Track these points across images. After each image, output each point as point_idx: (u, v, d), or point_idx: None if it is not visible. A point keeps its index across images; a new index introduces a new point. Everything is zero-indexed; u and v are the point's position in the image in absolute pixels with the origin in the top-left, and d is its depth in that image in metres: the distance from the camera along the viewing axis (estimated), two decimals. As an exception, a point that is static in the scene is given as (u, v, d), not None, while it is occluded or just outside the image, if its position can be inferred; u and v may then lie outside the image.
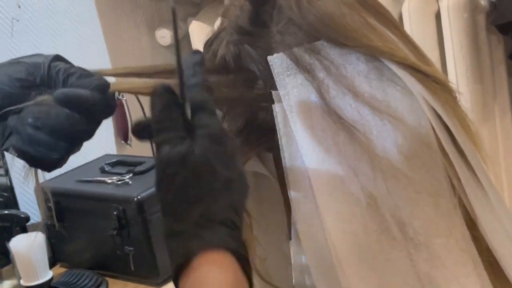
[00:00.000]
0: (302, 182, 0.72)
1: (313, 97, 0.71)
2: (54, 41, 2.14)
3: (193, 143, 0.63)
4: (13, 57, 0.75)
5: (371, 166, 0.70)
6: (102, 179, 1.89)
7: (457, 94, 0.76)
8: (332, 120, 0.70)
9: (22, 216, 1.79)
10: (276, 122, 0.72)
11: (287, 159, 0.72)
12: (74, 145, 0.71)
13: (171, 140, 0.63)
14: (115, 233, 1.76)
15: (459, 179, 0.71)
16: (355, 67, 0.71)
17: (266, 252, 0.82)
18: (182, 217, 0.62)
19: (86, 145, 0.74)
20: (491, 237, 0.72)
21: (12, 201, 1.92)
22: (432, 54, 1.85)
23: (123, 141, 2.25)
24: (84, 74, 0.72)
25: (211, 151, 0.63)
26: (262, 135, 0.75)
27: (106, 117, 0.72)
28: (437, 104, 0.71)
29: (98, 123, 0.72)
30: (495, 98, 1.92)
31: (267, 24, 0.74)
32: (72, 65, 0.73)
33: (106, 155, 2.08)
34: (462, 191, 0.72)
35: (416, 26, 1.85)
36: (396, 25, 0.78)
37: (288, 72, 0.71)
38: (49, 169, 0.72)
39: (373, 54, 0.71)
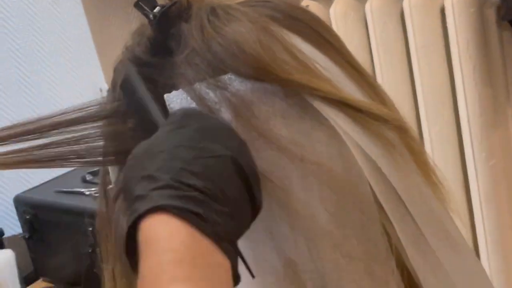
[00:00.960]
0: None
1: None
2: (38, 43, 2.04)
3: None
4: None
5: (291, 226, 0.58)
6: (81, 190, 1.80)
7: (409, 130, 0.64)
8: None
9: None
10: None
11: None
12: None
13: None
14: (90, 250, 1.66)
15: (399, 239, 0.60)
16: (270, 106, 0.58)
17: None
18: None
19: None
20: None
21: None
22: (437, 54, 1.71)
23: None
24: None
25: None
26: None
27: None
28: (373, 146, 0.59)
29: None
30: (508, 101, 1.76)
31: (172, 52, 0.61)
32: None
33: (92, 161, 1.97)
34: (403, 252, 0.60)
35: (418, 24, 1.70)
36: (336, 46, 0.65)
37: None
38: None
39: (292, 89, 0.58)
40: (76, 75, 2.11)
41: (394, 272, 0.59)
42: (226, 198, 0.51)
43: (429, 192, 0.63)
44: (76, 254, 1.77)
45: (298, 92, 0.59)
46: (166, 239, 0.48)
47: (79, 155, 0.64)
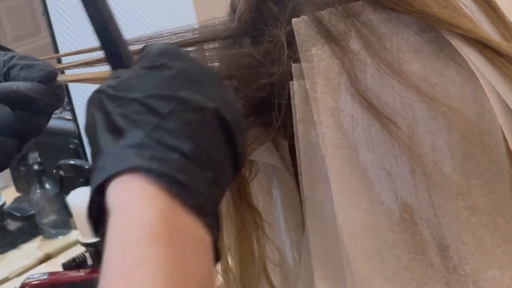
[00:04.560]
0: (318, 182, 0.57)
1: (345, 75, 0.56)
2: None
3: None
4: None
5: (411, 170, 0.55)
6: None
7: None
8: (363, 107, 0.54)
9: (86, 167, 1.69)
10: (292, 103, 0.57)
11: (302, 151, 0.58)
12: (23, 143, 0.60)
13: None
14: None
15: None
16: (403, 39, 0.55)
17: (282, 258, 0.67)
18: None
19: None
20: None
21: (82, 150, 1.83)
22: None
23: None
24: (27, 65, 0.59)
25: None
26: (279, 118, 0.59)
27: (54, 109, 0.60)
28: (511, 93, 0.55)
29: (47, 116, 0.60)
30: None
31: None
32: (12, 55, 0.60)
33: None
34: None
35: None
36: None
37: (315, 41, 0.56)
38: None
39: (429, 23, 0.55)
40: (169, 16, 2.07)
41: None
42: (210, 161, 0.45)
43: None
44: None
45: (435, 28, 0.55)
46: (140, 209, 0.41)
47: None
